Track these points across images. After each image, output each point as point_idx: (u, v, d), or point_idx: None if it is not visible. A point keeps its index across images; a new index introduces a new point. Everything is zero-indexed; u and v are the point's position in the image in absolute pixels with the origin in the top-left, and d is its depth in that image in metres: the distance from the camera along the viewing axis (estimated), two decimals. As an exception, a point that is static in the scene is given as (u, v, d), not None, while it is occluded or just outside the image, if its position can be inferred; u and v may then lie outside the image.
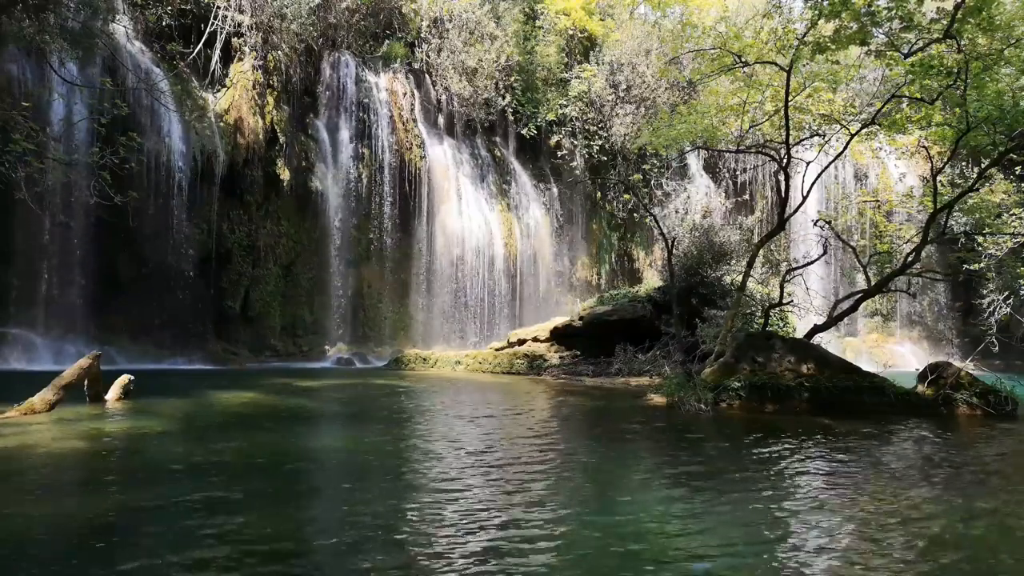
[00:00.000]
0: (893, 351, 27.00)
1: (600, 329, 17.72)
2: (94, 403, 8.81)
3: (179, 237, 18.90)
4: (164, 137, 18.68)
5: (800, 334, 13.69)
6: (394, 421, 8.75)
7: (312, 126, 22.75)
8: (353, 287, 22.89)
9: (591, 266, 28.48)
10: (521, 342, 18.94)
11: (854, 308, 13.42)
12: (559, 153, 27.43)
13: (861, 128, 12.39)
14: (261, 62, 21.28)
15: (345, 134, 22.97)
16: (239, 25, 20.88)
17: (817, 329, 12.13)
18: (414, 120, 24.38)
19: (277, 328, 21.25)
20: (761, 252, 15.88)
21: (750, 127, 14.10)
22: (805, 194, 12.84)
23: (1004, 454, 7.14)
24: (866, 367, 11.77)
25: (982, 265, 18.16)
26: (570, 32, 28.24)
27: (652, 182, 27.41)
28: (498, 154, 27.01)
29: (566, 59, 28.19)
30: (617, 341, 16.82)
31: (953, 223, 14.81)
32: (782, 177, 13.05)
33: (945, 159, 13.69)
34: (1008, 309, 19.61)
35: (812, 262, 14.12)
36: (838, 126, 13.27)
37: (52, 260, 17.34)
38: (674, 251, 16.52)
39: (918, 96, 11.49)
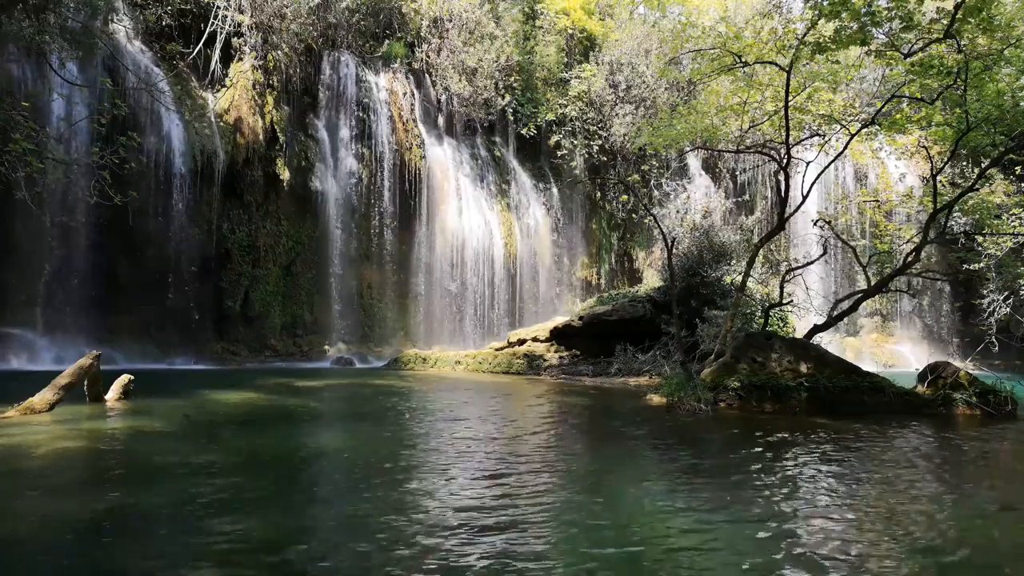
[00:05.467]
0: (893, 351, 27.02)
1: (600, 329, 17.73)
2: (94, 403, 8.81)
3: (179, 237, 18.92)
4: (164, 137, 18.70)
5: (800, 334, 13.69)
6: (393, 421, 8.75)
7: (312, 126, 22.75)
8: (353, 287, 22.90)
9: (591, 266, 28.47)
10: (521, 342, 18.95)
11: (854, 308, 13.41)
12: (559, 153, 27.42)
13: (861, 128, 12.37)
14: (261, 62, 21.29)
15: (345, 134, 22.97)
16: (239, 25, 20.89)
17: (817, 329, 12.12)
18: (414, 120, 24.39)
19: (277, 328, 21.26)
20: (761, 252, 15.87)
21: (750, 127, 14.09)
22: (805, 194, 12.83)
23: (1003, 455, 7.14)
24: (866, 367, 11.76)
25: (982, 265, 18.16)
26: (570, 32, 28.25)
27: (652, 182, 27.41)
28: (498, 154, 27.01)
29: (566, 59, 28.20)
30: (617, 341, 16.82)
31: (953, 223, 14.80)
32: (782, 177, 13.03)
33: (945, 159, 13.67)
34: (1008, 309, 19.60)
35: (812, 262, 14.13)
36: (838, 126, 13.26)
37: (52, 260, 17.34)
38: (674, 251, 16.47)
39: (918, 96, 11.49)
